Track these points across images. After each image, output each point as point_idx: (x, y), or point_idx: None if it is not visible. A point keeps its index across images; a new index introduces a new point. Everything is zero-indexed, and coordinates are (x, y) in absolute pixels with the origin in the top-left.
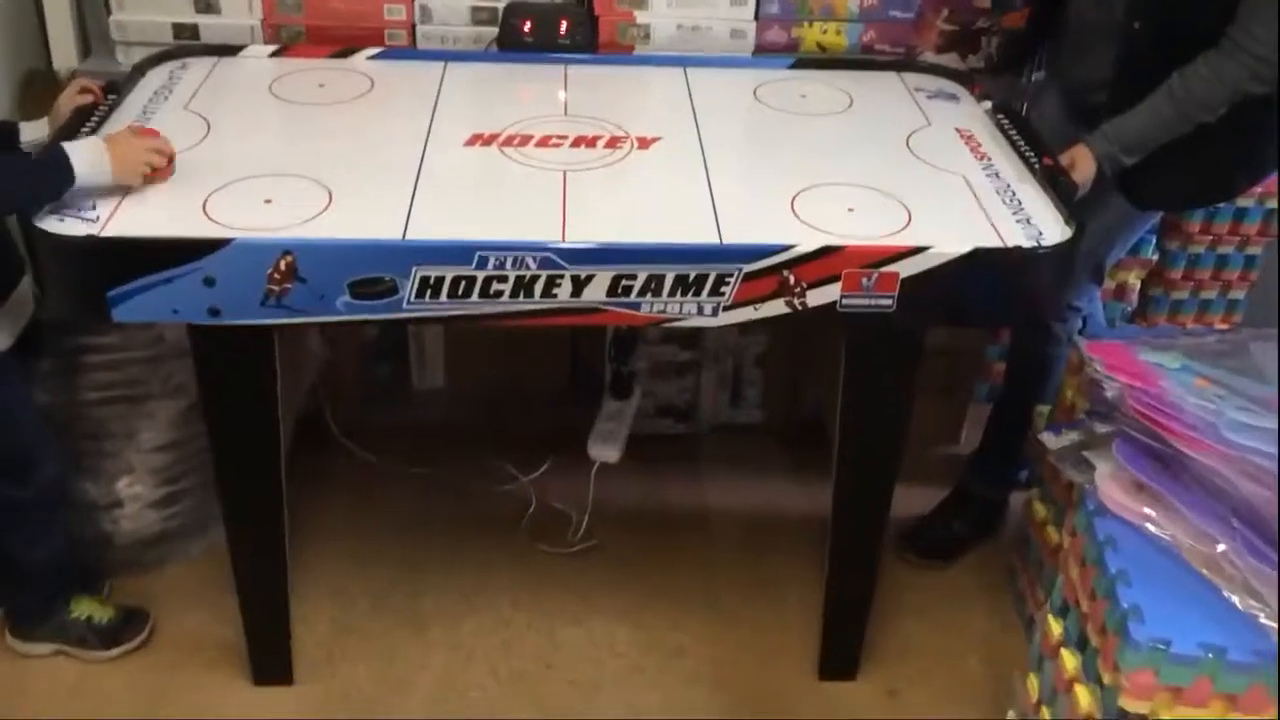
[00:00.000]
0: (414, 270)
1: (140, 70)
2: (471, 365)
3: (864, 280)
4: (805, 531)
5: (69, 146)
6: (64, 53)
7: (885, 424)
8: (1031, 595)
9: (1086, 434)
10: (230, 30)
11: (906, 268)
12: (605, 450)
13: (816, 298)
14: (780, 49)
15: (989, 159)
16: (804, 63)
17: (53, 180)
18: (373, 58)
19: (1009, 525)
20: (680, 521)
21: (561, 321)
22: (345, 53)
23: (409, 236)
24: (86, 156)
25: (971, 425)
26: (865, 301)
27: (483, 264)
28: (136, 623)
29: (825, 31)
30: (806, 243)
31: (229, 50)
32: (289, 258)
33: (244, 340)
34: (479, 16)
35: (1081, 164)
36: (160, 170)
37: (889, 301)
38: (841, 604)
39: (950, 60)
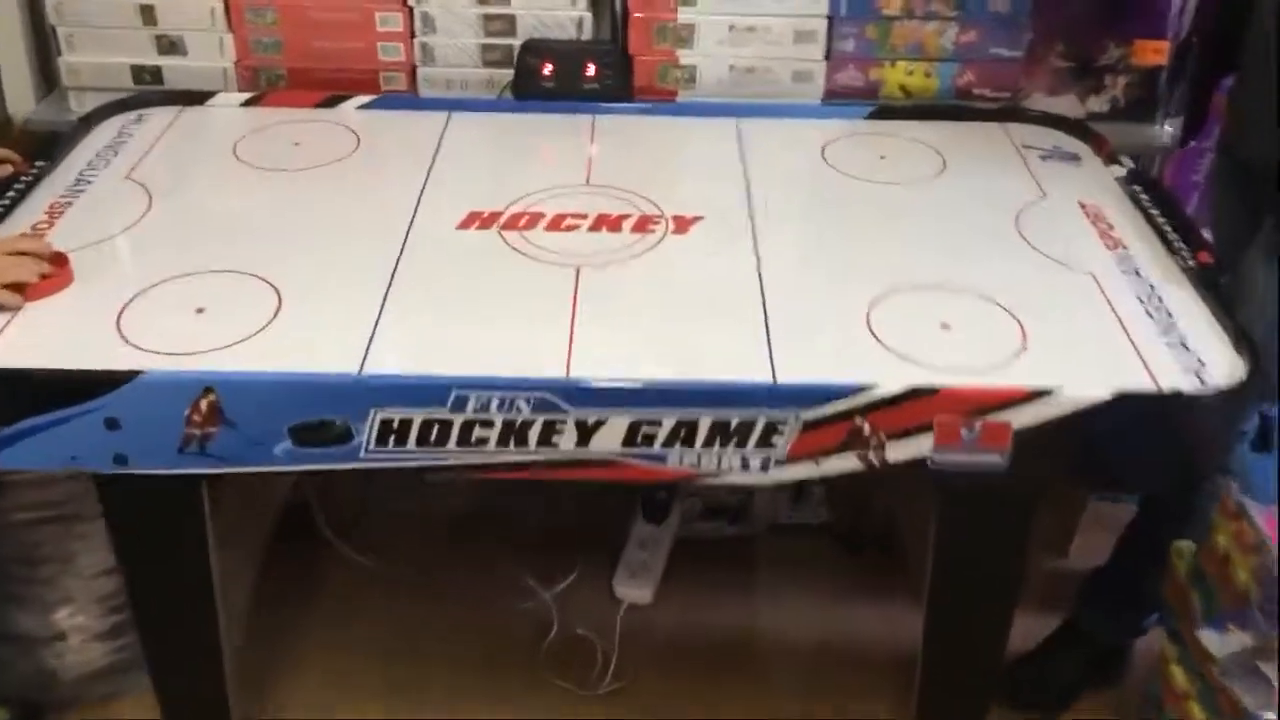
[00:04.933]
0: (373, 413)
1: (87, 124)
2: None
3: (964, 431)
4: (880, 658)
5: None
6: (20, 97)
7: (987, 597)
8: None
9: (1261, 637)
10: (199, 74)
11: (1022, 416)
12: (634, 589)
13: (899, 451)
14: (855, 94)
15: (1125, 248)
16: (884, 112)
17: None
18: (363, 107)
19: (1135, 672)
20: (730, 650)
21: (563, 475)
22: (332, 101)
23: (369, 364)
24: None
25: (1084, 534)
26: (966, 458)
27: (460, 405)
28: None
29: (912, 73)
30: (887, 381)
31: (195, 98)
32: (211, 397)
33: (163, 492)
34: (490, 57)
35: None
36: (49, 279)
37: (998, 459)
38: None
39: (1068, 106)
